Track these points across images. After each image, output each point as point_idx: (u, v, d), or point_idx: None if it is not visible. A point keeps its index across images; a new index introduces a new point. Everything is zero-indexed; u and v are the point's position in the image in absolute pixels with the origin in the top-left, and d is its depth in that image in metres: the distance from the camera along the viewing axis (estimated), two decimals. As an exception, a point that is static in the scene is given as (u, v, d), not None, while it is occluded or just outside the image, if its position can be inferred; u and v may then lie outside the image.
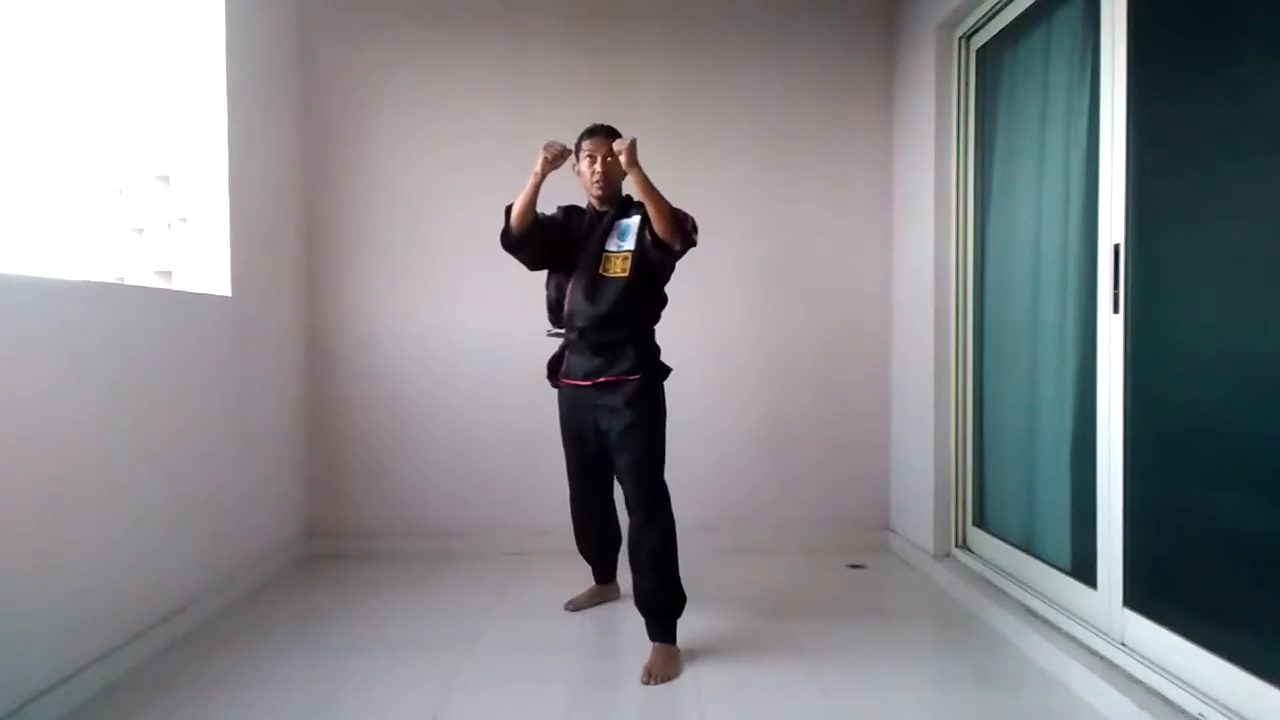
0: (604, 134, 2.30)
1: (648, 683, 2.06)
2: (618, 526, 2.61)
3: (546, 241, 2.31)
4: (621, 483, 2.31)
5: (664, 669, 2.11)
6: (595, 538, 2.60)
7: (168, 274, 23.84)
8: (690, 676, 2.12)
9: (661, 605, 2.22)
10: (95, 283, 2.11)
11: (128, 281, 2.61)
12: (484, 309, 3.28)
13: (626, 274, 2.23)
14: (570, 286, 2.27)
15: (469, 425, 3.30)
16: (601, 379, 2.25)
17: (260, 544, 2.93)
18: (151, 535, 2.29)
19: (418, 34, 3.30)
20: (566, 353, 2.35)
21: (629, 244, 2.25)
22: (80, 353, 2.02)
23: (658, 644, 2.19)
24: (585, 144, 2.32)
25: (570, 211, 2.44)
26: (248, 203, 2.83)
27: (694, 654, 2.26)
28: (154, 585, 2.30)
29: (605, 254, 2.26)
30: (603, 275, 2.24)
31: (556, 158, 2.17)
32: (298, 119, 3.26)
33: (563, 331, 2.34)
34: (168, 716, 1.91)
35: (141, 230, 27.32)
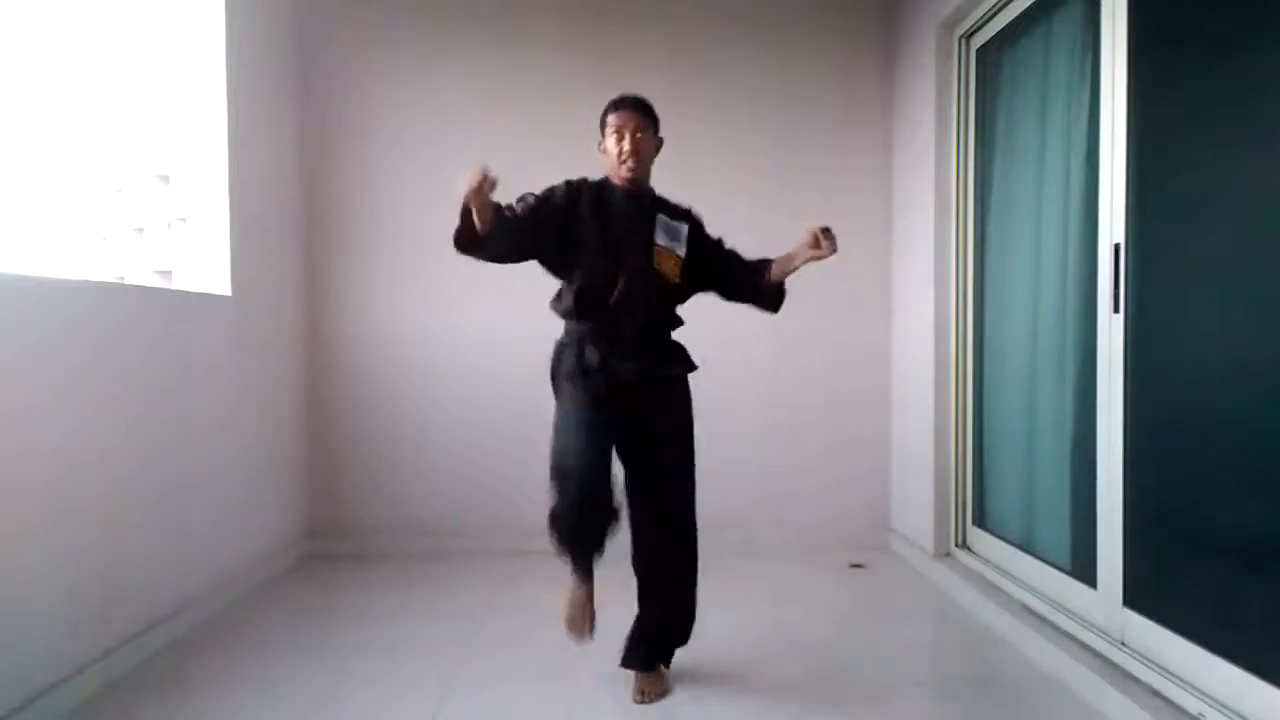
0: (632, 106, 2.04)
1: (642, 701, 1.98)
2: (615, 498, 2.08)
3: (553, 240, 1.99)
4: (655, 486, 2.03)
5: (658, 686, 2.03)
6: (598, 514, 2.02)
7: (168, 273, 23.81)
8: (689, 676, 2.12)
9: (671, 636, 2.08)
10: (95, 282, 2.11)
11: (128, 281, 2.61)
12: (484, 308, 3.28)
13: (678, 279, 2.07)
14: (623, 277, 1.99)
15: (469, 424, 3.30)
16: (658, 372, 2.02)
17: (260, 544, 2.93)
18: (152, 534, 2.29)
19: (417, 34, 3.30)
20: (588, 346, 2.01)
21: (681, 249, 2.08)
22: (80, 352, 2.02)
23: (646, 672, 2.04)
24: (611, 118, 2.04)
25: (578, 189, 2.07)
26: (248, 202, 2.83)
27: (693, 653, 2.25)
28: (154, 585, 2.30)
29: (657, 248, 2.03)
30: (658, 270, 2.03)
31: (479, 190, 1.78)
32: (298, 119, 3.25)
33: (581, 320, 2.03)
34: (168, 716, 1.91)
35: (141, 230, 27.30)
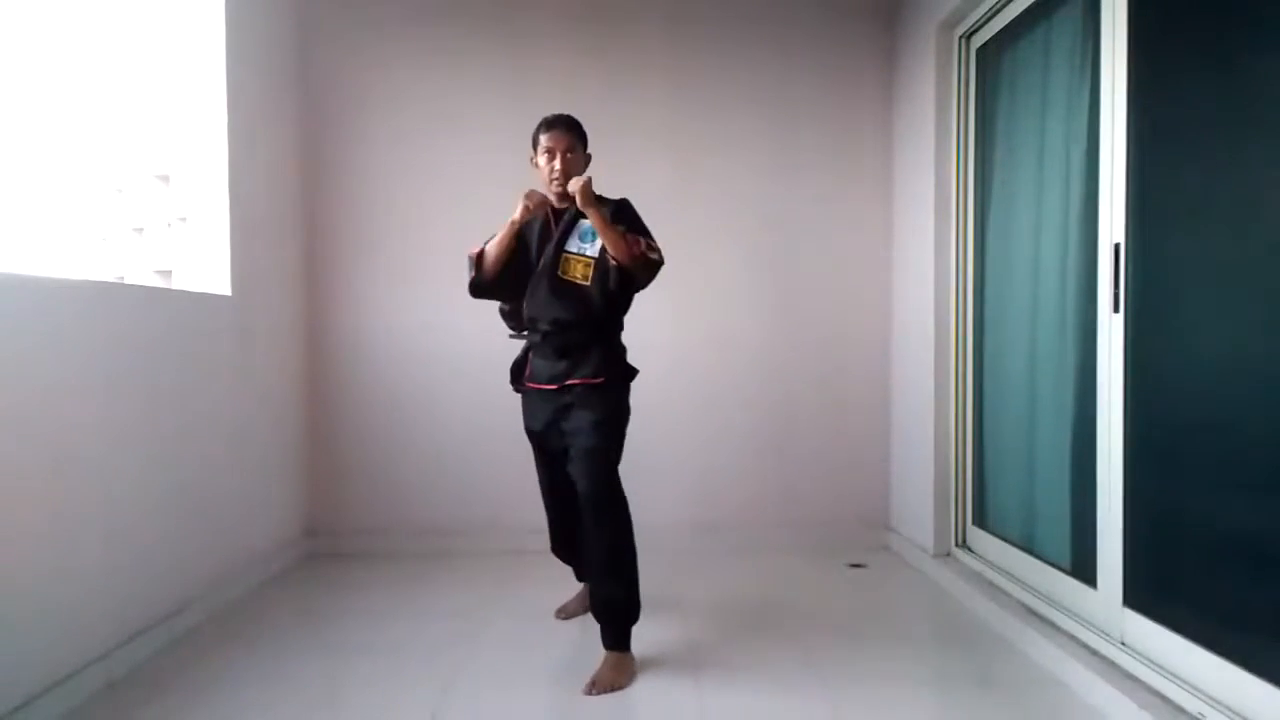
0: (563, 127, 2.17)
1: (590, 693, 1.99)
2: None
3: (516, 271, 2.21)
4: (573, 478, 2.18)
5: (611, 679, 2.04)
6: (571, 539, 2.43)
7: (168, 273, 23.80)
8: (691, 675, 2.12)
9: (613, 612, 2.13)
10: (95, 282, 2.11)
11: (128, 281, 2.61)
12: (483, 308, 3.26)
13: (588, 281, 2.13)
14: (530, 288, 2.18)
15: (468, 424, 3.30)
16: (568, 382, 2.16)
17: (260, 543, 2.93)
18: (151, 534, 2.29)
19: (417, 34, 3.30)
20: (530, 355, 2.27)
21: (592, 249, 2.14)
22: (80, 352, 2.02)
23: (610, 652, 2.11)
24: (543, 138, 2.18)
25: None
26: (248, 202, 2.83)
27: (694, 653, 2.26)
28: (154, 584, 2.30)
29: (565, 255, 2.15)
30: (562, 278, 2.14)
31: (538, 206, 2.12)
32: (298, 119, 3.26)
33: (525, 334, 2.27)
34: (168, 716, 1.91)
35: (141, 229, 27.29)
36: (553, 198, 2.21)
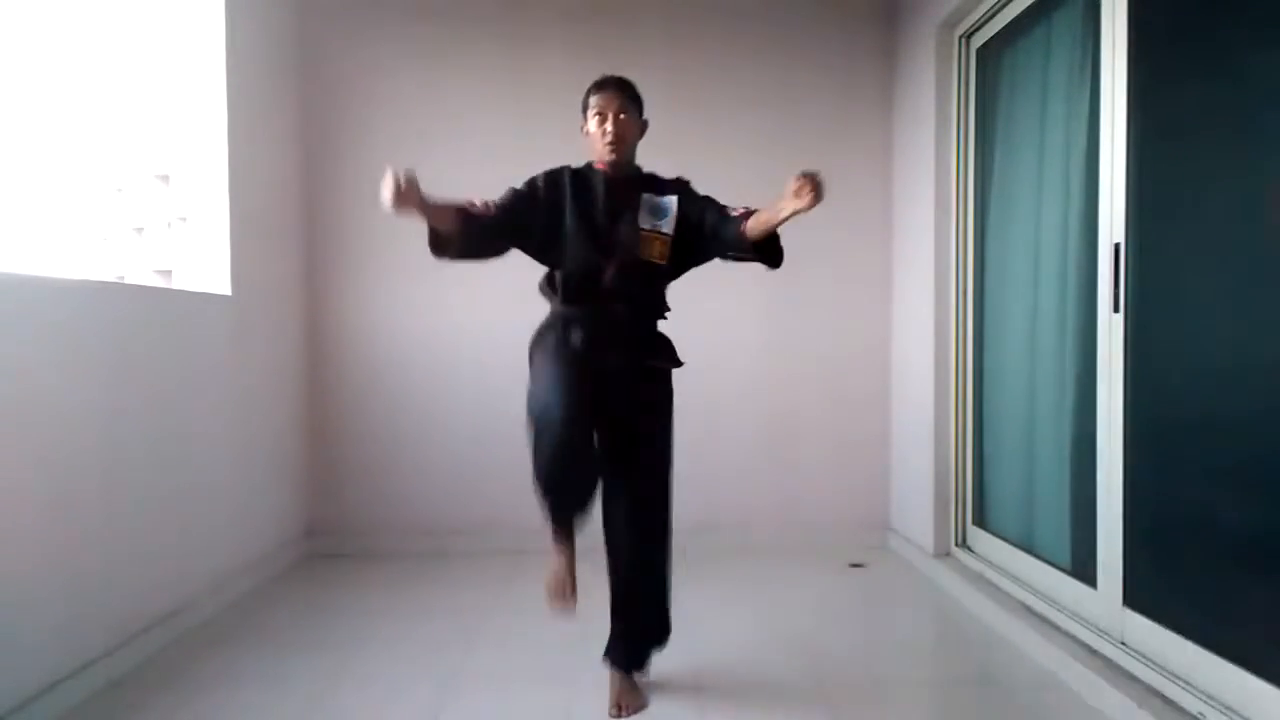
0: (614, 88, 1.98)
1: (617, 716, 1.92)
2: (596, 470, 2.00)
3: (543, 232, 1.98)
4: (629, 485, 1.99)
5: (635, 700, 1.98)
6: (579, 465, 1.91)
7: (168, 273, 23.80)
8: (690, 676, 2.12)
9: (646, 632, 2.06)
10: (95, 281, 2.12)
11: (128, 280, 2.61)
12: (483, 307, 3.28)
13: (665, 261, 1.99)
14: (601, 264, 1.94)
15: (468, 423, 3.30)
16: (647, 364, 2.00)
17: (260, 543, 2.93)
18: (151, 534, 2.29)
19: (418, 33, 3.30)
20: (574, 329, 1.95)
21: (667, 227, 1.98)
22: (80, 352, 2.02)
23: (627, 673, 2.02)
24: (594, 100, 1.98)
25: (557, 177, 2.05)
26: (248, 202, 2.83)
27: (694, 651, 2.26)
28: (154, 584, 2.30)
29: (643, 233, 1.97)
30: (643, 259, 1.97)
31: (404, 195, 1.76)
32: (298, 119, 3.26)
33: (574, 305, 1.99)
34: (168, 716, 1.91)
35: (141, 229, 27.30)
36: (608, 166, 2.01)
